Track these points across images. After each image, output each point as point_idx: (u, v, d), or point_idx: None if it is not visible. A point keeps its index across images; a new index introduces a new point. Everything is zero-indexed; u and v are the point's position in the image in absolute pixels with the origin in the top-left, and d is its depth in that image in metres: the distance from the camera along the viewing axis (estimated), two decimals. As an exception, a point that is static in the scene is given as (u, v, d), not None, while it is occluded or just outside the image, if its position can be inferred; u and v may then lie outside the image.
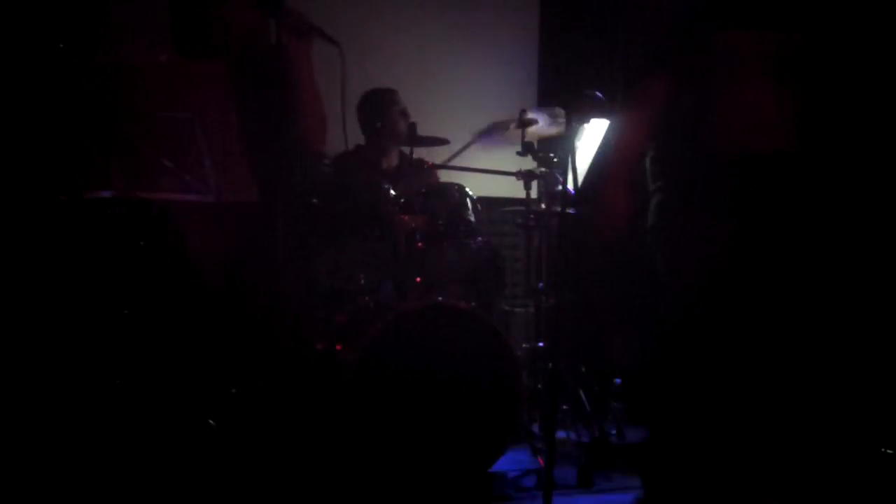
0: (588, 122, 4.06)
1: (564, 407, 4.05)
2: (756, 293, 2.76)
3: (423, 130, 4.19)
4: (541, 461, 3.59)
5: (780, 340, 2.95)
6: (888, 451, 3.34)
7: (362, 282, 3.75)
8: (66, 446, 3.01)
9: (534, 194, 4.30)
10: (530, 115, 4.15)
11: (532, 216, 4.31)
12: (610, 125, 3.82)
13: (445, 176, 4.39)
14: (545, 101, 5.68)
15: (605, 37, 5.42)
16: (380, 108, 4.50)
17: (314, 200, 3.54)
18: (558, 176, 4.00)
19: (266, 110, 2.99)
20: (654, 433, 2.93)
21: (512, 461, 3.69)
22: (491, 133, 4.39)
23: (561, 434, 3.87)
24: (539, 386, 4.07)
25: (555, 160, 4.04)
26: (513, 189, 4.41)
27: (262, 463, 2.95)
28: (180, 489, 2.94)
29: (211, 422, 3.05)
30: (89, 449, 2.97)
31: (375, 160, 4.49)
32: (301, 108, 3.14)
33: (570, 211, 3.90)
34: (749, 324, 2.78)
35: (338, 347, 3.44)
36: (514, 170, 4.20)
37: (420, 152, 4.40)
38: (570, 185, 3.26)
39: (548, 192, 4.13)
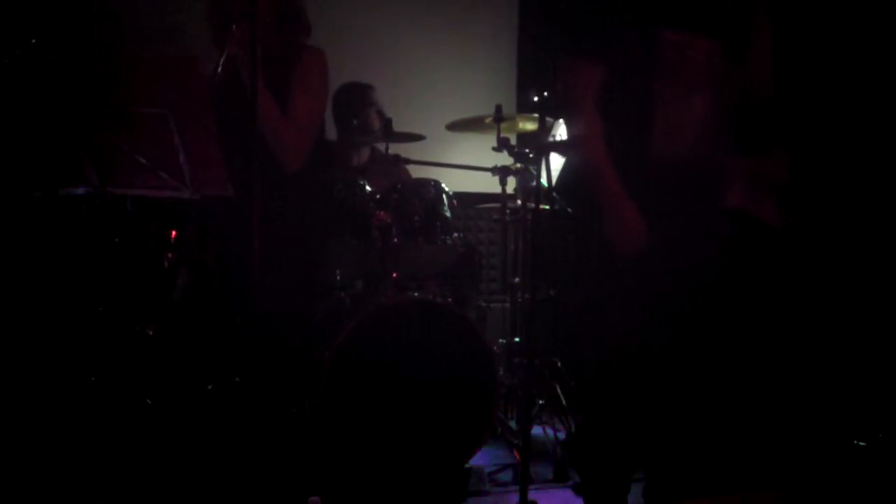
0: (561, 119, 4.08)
1: (541, 402, 4.06)
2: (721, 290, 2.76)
3: (399, 126, 4.19)
4: (517, 456, 3.61)
5: (747, 335, 2.97)
6: (861, 443, 3.38)
7: (338, 278, 3.75)
8: (41, 442, 2.99)
9: (510, 190, 4.31)
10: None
11: (508, 212, 4.32)
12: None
13: (421, 171, 4.39)
14: (523, 96, 5.69)
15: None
16: (356, 105, 4.50)
17: (290, 196, 3.52)
18: (534, 171, 4.01)
19: (240, 106, 2.98)
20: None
21: (488, 456, 3.71)
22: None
23: (537, 429, 3.88)
24: (515, 381, 4.08)
25: (531, 156, 4.04)
26: (489, 185, 4.42)
27: (238, 459, 2.95)
28: (155, 486, 2.93)
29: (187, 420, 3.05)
30: (65, 445, 2.95)
31: (346, 155, 4.48)
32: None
33: (545, 207, 3.92)
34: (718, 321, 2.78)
35: (314, 344, 3.43)
36: (489, 165, 4.21)
37: (394, 148, 4.40)
38: (544, 181, 3.27)
39: (524, 188, 4.14)
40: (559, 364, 4.27)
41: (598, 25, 2.70)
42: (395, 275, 3.66)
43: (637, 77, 2.64)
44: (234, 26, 2.98)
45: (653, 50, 2.61)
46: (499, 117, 4.09)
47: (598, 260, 2.78)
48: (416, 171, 4.46)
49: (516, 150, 4.05)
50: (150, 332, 3.19)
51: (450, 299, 3.67)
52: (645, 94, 2.64)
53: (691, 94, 2.64)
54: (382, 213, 3.67)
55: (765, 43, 2.69)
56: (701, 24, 2.62)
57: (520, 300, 4.27)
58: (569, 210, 3.84)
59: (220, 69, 2.98)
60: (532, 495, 2.92)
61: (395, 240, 3.66)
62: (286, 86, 3.16)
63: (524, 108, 5.10)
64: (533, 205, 3.90)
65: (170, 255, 3.20)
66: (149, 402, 3.04)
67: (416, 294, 3.62)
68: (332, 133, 4.49)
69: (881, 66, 3.47)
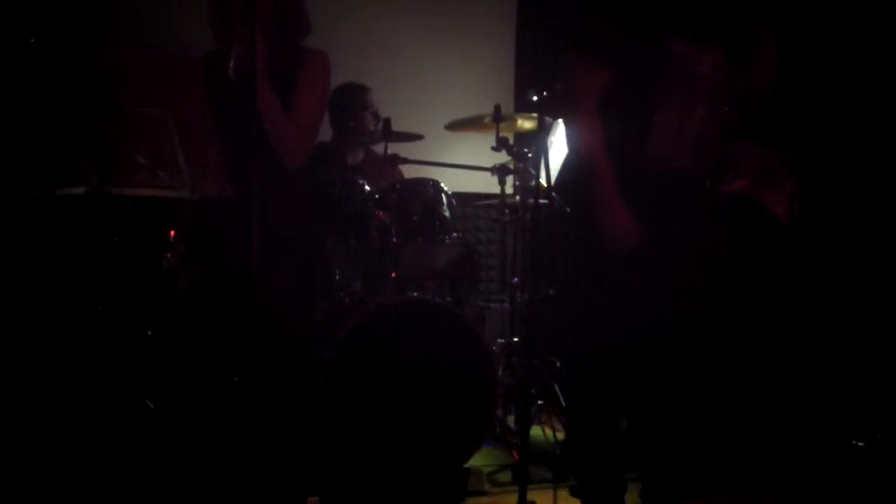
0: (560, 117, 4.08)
1: (539, 402, 4.06)
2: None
3: (397, 126, 4.18)
4: (516, 456, 3.61)
5: (746, 334, 2.97)
6: (859, 443, 3.39)
7: (337, 278, 3.75)
8: (41, 442, 2.99)
9: (509, 189, 4.31)
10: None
11: (507, 211, 4.32)
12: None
13: (420, 171, 4.39)
14: (521, 95, 5.69)
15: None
16: (353, 108, 4.49)
17: (289, 196, 3.52)
18: (533, 171, 4.01)
19: (239, 104, 2.98)
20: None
21: (487, 456, 3.71)
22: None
23: (536, 429, 3.88)
24: (514, 381, 4.08)
25: (529, 155, 4.05)
26: (488, 184, 4.42)
27: (238, 459, 2.95)
28: (155, 486, 2.92)
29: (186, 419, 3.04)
30: (65, 445, 2.95)
31: (341, 156, 4.47)
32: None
33: (545, 202, 3.91)
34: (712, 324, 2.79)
35: (313, 344, 3.43)
36: (489, 165, 4.21)
37: (392, 147, 4.39)
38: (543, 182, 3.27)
39: (523, 187, 4.14)
40: (558, 364, 4.27)
41: (609, 29, 2.71)
42: (393, 275, 3.66)
43: (641, 83, 2.64)
44: (238, 25, 2.97)
45: (661, 59, 2.62)
46: (498, 117, 4.09)
47: (596, 259, 2.79)
48: (415, 171, 4.45)
49: (515, 149, 4.06)
50: (149, 332, 3.19)
51: (448, 299, 3.67)
52: (646, 101, 2.64)
53: (692, 105, 2.64)
54: (381, 212, 3.67)
55: (769, 52, 2.69)
56: (708, 34, 2.62)
57: (519, 300, 4.27)
58: (567, 209, 3.84)
59: (230, 72, 2.97)
60: (531, 495, 2.91)
61: (394, 240, 3.66)
62: (288, 86, 3.16)
63: (523, 107, 5.10)
64: (532, 204, 3.92)
65: (169, 255, 3.20)
66: (148, 401, 3.04)
67: (414, 294, 3.62)
68: (325, 134, 4.48)
69: (884, 69, 3.47)
